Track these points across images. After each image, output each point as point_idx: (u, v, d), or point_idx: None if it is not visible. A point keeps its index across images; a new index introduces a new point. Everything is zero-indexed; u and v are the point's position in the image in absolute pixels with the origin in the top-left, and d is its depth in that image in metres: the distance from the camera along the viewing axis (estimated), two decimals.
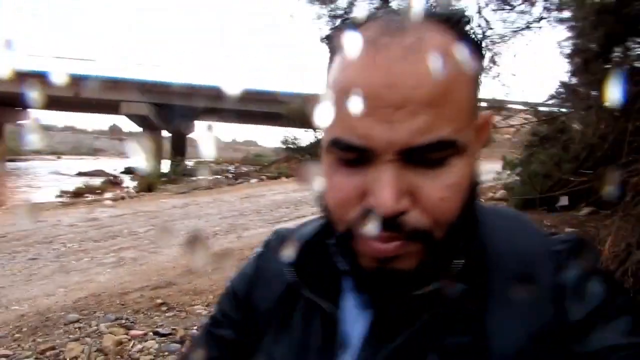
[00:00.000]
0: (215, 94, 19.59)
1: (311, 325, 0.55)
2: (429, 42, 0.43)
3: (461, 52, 0.44)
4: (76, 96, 21.94)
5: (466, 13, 0.49)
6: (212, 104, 19.65)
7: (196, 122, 30.76)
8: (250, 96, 21.12)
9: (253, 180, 15.06)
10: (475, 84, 0.48)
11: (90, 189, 13.86)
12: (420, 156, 0.43)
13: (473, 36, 0.48)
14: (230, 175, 17.99)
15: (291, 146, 19.88)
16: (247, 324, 0.61)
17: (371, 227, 0.44)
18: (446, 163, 0.44)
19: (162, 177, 15.92)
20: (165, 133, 26.45)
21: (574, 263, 0.50)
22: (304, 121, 18.37)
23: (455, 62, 0.44)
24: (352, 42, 0.44)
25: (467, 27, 0.48)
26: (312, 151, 19.18)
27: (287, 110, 18.46)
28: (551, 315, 0.47)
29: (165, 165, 20.78)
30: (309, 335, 0.55)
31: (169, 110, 23.42)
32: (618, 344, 0.45)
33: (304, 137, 20.53)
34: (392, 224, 0.44)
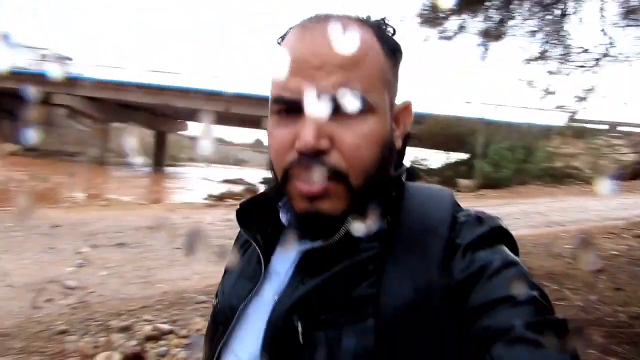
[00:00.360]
0: None
1: (250, 262, 0.65)
2: (345, 27, 0.55)
3: (371, 39, 0.57)
4: (226, 111, 24.35)
5: (386, 20, 0.62)
6: None
7: None
8: None
9: None
10: (387, 66, 0.59)
11: (231, 195, 15.24)
12: (338, 107, 0.53)
13: (389, 35, 0.61)
14: None
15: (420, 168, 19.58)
16: None
17: (298, 165, 0.54)
18: (360, 116, 0.54)
19: None
20: None
21: (470, 231, 0.55)
22: (434, 143, 18.04)
23: (366, 43, 0.56)
24: (293, 29, 0.59)
25: (385, 28, 0.61)
26: (439, 174, 18.67)
27: (420, 131, 18.32)
28: (437, 274, 0.52)
29: None
30: (246, 268, 0.65)
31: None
32: (499, 297, 0.48)
33: (432, 158, 20.08)
34: (314, 160, 0.53)
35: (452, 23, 4.41)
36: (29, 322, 3.25)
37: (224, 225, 7.87)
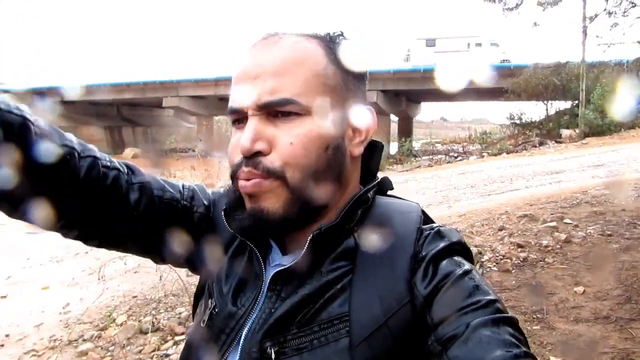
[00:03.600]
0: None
1: (249, 264, 0.64)
2: (284, 42, 0.59)
3: (312, 48, 0.59)
4: None
5: (342, 35, 0.63)
6: (436, 86, 20.00)
7: (422, 105, 31.37)
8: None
9: (472, 157, 15.00)
10: (330, 72, 0.59)
11: None
12: (273, 111, 0.56)
13: (336, 47, 0.61)
14: (454, 154, 18.18)
15: (517, 122, 18.84)
16: (208, 225, 0.71)
17: (240, 167, 0.57)
18: (295, 118, 0.56)
19: (390, 158, 17.15)
20: (392, 117, 27.85)
21: (432, 245, 0.57)
22: (533, 94, 17.19)
23: (302, 51, 0.58)
24: (247, 47, 0.61)
25: (336, 41, 0.62)
26: (540, 126, 17.80)
27: (513, 84, 17.54)
28: (405, 290, 0.53)
29: (393, 147, 22.15)
30: (246, 271, 0.64)
31: (393, 96, 24.67)
32: (457, 307, 0.50)
33: (532, 111, 19.11)
34: (251, 162, 0.56)
35: None
36: (184, 286, 4.13)
37: None
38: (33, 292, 4.31)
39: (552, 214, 4.88)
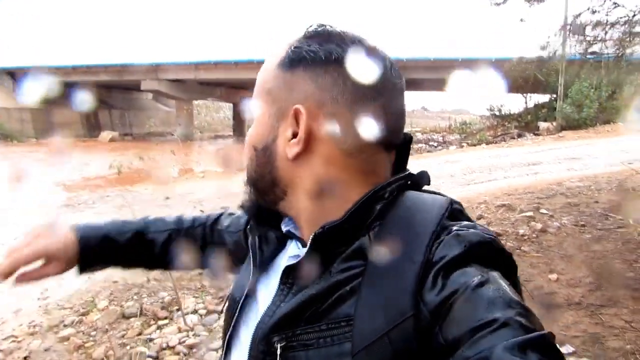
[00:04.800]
0: (422, 64, 19.97)
1: (255, 254, 0.65)
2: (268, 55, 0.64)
3: (268, 58, 0.63)
4: None
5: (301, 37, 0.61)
6: (420, 75, 20.10)
7: (405, 93, 31.47)
8: (457, 63, 20.84)
9: (452, 147, 15.21)
10: (272, 75, 0.61)
11: None
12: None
13: (291, 50, 0.59)
14: (434, 143, 18.37)
15: (496, 113, 19.15)
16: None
17: None
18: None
19: None
20: None
21: (444, 252, 0.50)
22: (513, 87, 17.45)
23: (265, 63, 0.63)
24: None
25: (294, 47, 0.59)
26: (519, 118, 18.12)
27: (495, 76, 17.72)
28: (407, 303, 0.48)
29: None
30: (252, 260, 0.66)
31: None
32: (474, 326, 0.44)
33: (512, 103, 19.43)
34: None
35: None
36: None
37: None
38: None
39: (528, 204, 5.02)
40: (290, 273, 0.58)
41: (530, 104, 19.00)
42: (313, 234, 0.56)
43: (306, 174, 0.59)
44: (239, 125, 32.78)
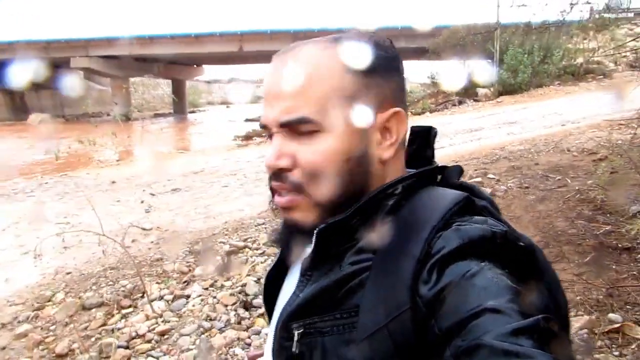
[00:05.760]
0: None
1: (283, 253, 0.71)
2: (300, 57, 0.60)
3: (329, 61, 0.59)
4: (240, 50, 24.35)
5: (351, 34, 0.62)
6: None
7: None
8: (397, 32, 21.06)
9: None
10: (348, 82, 0.59)
11: (257, 133, 15.78)
12: (294, 129, 0.59)
13: (357, 53, 0.60)
14: None
15: (437, 81, 19.61)
16: None
17: (270, 179, 0.63)
18: (314, 135, 0.58)
19: None
20: None
21: (443, 245, 0.51)
22: (452, 55, 17.91)
23: (318, 68, 0.59)
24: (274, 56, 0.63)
25: (356, 47, 0.60)
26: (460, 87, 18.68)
27: (433, 44, 18.15)
28: (404, 295, 0.50)
29: None
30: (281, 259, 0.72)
31: None
32: (469, 314, 0.44)
33: (451, 71, 19.94)
34: (278, 177, 0.61)
35: None
36: (127, 257, 4.06)
37: (260, 161, 8.59)
38: None
39: (476, 170, 5.26)
40: (305, 267, 0.62)
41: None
42: (317, 229, 0.58)
43: (391, 175, 0.63)
44: (180, 102, 31.67)
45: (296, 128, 0.59)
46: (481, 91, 16.15)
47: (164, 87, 38.77)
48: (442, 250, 0.50)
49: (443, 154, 6.75)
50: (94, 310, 3.09)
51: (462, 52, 17.93)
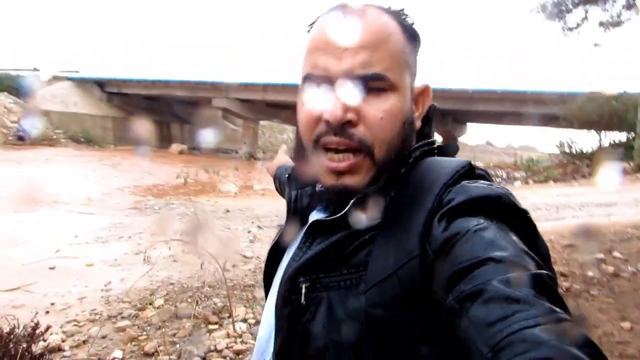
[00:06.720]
0: (489, 96, 19.51)
1: (290, 205, 0.74)
2: (369, 13, 0.60)
3: (392, 24, 0.61)
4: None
5: (405, 11, 0.65)
6: (487, 107, 19.62)
7: (469, 125, 30.65)
8: (526, 96, 20.16)
9: (517, 183, 14.59)
10: (408, 49, 0.62)
11: None
12: (365, 84, 0.57)
13: (409, 22, 0.64)
14: (497, 179, 17.72)
15: (567, 151, 18.18)
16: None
17: (327, 137, 0.58)
18: (383, 93, 0.58)
19: None
20: (436, 135, 27.27)
21: (451, 200, 0.53)
22: (586, 123, 16.57)
23: (388, 27, 0.60)
24: (322, 16, 0.63)
25: (405, 17, 0.64)
26: (591, 157, 17.10)
27: (566, 111, 16.96)
28: (414, 244, 0.52)
29: None
30: (287, 210, 0.75)
31: (440, 115, 24.27)
32: (472, 262, 0.45)
33: (584, 140, 18.39)
34: (342, 132, 0.58)
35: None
36: (224, 279, 4.28)
37: None
38: (78, 268, 4.51)
39: (599, 246, 4.69)
40: (317, 227, 0.63)
41: (605, 142, 17.90)
42: (354, 198, 0.59)
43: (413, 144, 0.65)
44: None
45: (368, 84, 0.58)
46: (618, 164, 14.61)
47: (289, 132, 41.17)
48: (452, 202, 0.52)
49: (563, 225, 6.15)
50: (184, 320, 3.28)
51: (599, 122, 16.55)
